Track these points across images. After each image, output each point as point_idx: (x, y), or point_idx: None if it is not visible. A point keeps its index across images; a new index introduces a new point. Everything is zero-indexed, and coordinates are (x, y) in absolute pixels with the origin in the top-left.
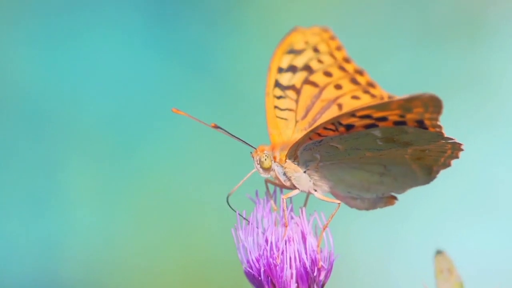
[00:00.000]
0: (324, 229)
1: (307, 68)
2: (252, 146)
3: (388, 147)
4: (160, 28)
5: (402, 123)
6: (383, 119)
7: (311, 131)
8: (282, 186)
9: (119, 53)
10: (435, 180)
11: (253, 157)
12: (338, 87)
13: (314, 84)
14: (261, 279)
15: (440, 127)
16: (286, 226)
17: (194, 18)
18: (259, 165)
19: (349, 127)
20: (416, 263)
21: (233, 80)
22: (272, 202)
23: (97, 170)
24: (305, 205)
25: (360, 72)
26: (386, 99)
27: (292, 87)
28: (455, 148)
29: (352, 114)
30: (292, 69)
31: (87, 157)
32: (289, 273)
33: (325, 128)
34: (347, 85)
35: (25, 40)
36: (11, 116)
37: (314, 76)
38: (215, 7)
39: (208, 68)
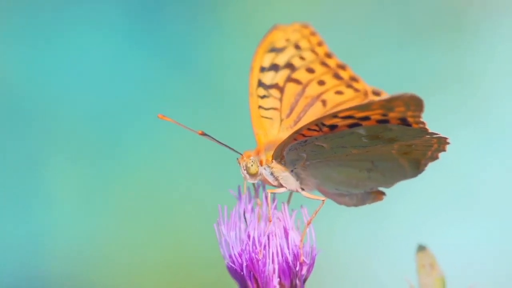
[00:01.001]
0: (308, 224)
1: (289, 65)
2: (238, 153)
3: (373, 143)
4: (143, 26)
5: (385, 121)
6: (366, 118)
7: (295, 132)
8: (271, 185)
9: (102, 51)
10: (420, 176)
11: (239, 164)
12: (321, 83)
13: (297, 81)
14: (243, 274)
15: (423, 123)
16: (270, 221)
17: (177, 15)
18: (245, 171)
19: (332, 127)
20: (400, 258)
21: (216, 77)
22: (255, 197)
23: (80, 167)
24: (288, 201)
25: (342, 67)
26: (369, 94)
27: (275, 86)
28: (441, 142)
29: (334, 115)
30: (275, 67)
31: (71, 155)
32: (272, 268)
33: (309, 129)
34: (330, 81)
35: (7, 38)
36: None
37: (296, 73)
38: (198, 4)
39: (191, 65)
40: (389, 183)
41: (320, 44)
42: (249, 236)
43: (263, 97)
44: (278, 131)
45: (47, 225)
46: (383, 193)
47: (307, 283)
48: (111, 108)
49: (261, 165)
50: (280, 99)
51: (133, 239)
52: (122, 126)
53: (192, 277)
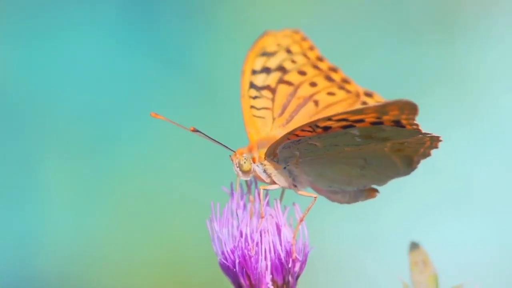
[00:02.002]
0: (300, 221)
1: (281, 68)
2: (231, 150)
3: (366, 142)
4: (138, 25)
5: (379, 123)
6: (360, 121)
7: (288, 133)
8: (264, 182)
9: (95, 50)
10: (412, 174)
11: (232, 161)
12: (313, 84)
13: (288, 83)
14: (236, 270)
15: (417, 125)
16: (263, 217)
17: (171, 14)
18: (238, 169)
19: (326, 128)
20: (393, 256)
21: (211, 75)
22: (248, 193)
23: (74, 166)
24: (281, 198)
25: (334, 70)
26: (361, 95)
27: (267, 87)
28: (434, 140)
29: (328, 118)
30: (266, 70)
31: (65, 154)
32: (264, 265)
33: (303, 130)
34: (322, 82)
35: (1, 38)
36: None
37: (288, 75)
38: (192, 3)
39: (185, 64)
40: (382, 180)
41: (311, 48)
42: (241, 233)
43: (255, 97)
44: (270, 129)
45: (41, 223)
46: (376, 191)
47: (299, 279)
48: (106, 107)
49: (254, 163)
50: (272, 99)
51: (128, 238)
52: (117, 125)
53: (188, 275)
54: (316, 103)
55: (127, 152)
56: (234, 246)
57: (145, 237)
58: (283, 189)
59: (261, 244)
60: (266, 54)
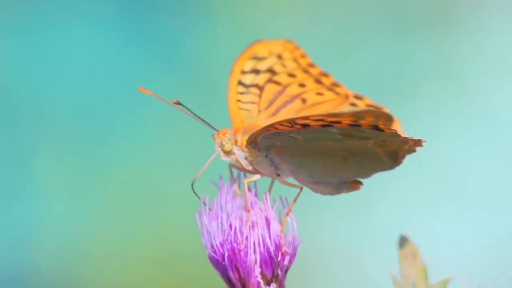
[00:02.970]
0: (287, 214)
1: (271, 70)
2: (214, 128)
3: (348, 139)
4: (132, 19)
5: (357, 125)
6: (337, 122)
7: (268, 126)
8: (245, 171)
9: (89, 43)
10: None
11: (214, 140)
12: (302, 85)
13: (277, 83)
14: (225, 264)
15: (395, 130)
16: (249, 211)
17: (166, 8)
18: (220, 148)
19: (305, 125)
20: (387, 249)
21: (206, 70)
22: (235, 186)
23: (67, 160)
24: (269, 190)
25: (325, 75)
26: (350, 97)
27: (255, 85)
28: (417, 142)
29: (305, 118)
30: (255, 71)
31: (58, 148)
32: (253, 258)
33: (282, 125)
34: (311, 84)
35: None
36: None
37: (277, 77)
38: None
39: (180, 59)
40: (366, 173)
41: (303, 56)
42: (230, 226)
43: (242, 93)
44: (255, 120)
45: (34, 218)
46: (360, 183)
47: (289, 273)
48: (100, 102)
49: (236, 145)
50: (259, 96)
51: (121, 232)
52: (110, 120)
53: (180, 268)
54: (303, 101)
55: (120, 147)
56: (223, 240)
57: (138, 231)
58: (272, 181)
59: (250, 238)
60: (256, 58)
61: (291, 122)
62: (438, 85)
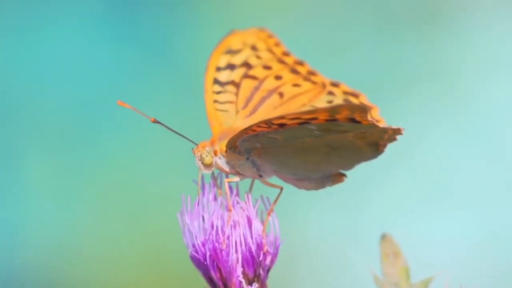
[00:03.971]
0: (269, 213)
1: (246, 64)
2: (193, 142)
3: (326, 134)
4: (119, 16)
5: (334, 120)
6: (314, 118)
7: (245, 129)
8: (229, 174)
9: (77, 42)
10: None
11: (194, 154)
12: (278, 78)
13: (253, 77)
14: (206, 263)
15: (372, 121)
16: (230, 211)
17: (154, 5)
18: (200, 162)
19: (282, 125)
20: (370, 249)
21: (194, 68)
22: (216, 187)
23: (56, 159)
24: (250, 190)
25: (300, 63)
26: (327, 85)
27: (231, 82)
28: (396, 131)
29: (281, 117)
30: (230, 67)
31: (47, 146)
32: (235, 258)
33: (259, 126)
34: (287, 75)
35: None
36: None
37: (253, 70)
38: None
39: (168, 56)
40: (349, 165)
41: (277, 44)
42: (212, 226)
43: (218, 92)
44: (234, 121)
45: (22, 216)
46: (343, 175)
47: (271, 272)
48: (88, 100)
49: (216, 155)
50: (236, 94)
51: (109, 231)
52: (98, 117)
53: (169, 267)
54: (281, 95)
55: (109, 146)
56: (204, 239)
57: (127, 230)
58: (252, 180)
59: (232, 237)
60: (231, 52)
61: (268, 123)
62: (426, 85)
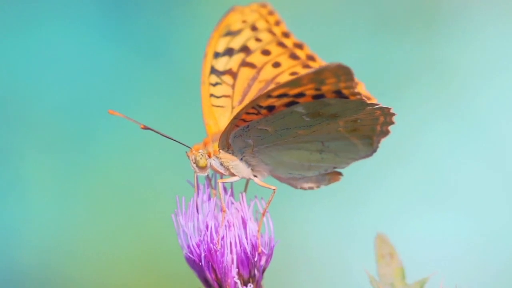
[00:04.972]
0: (263, 214)
1: (245, 48)
2: (186, 146)
3: (317, 122)
4: (116, 17)
5: (321, 96)
6: (301, 95)
7: (234, 118)
8: (224, 176)
9: (73, 42)
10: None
11: (188, 157)
12: (276, 65)
13: (251, 65)
14: (201, 264)
15: (359, 94)
16: (224, 211)
17: (150, 6)
18: (195, 165)
19: (270, 108)
20: (366, 249)
21: (190, 68)
22: (211, 187)
23: (52, 159)
24: (245, 190)
25: (299, 46)
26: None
27: (228, 72)
28: (386, 114)
29: (268, 95)
30: (229, 52)
31: (43, 146)
32: (230, 258)
33: (248, 113)
34: (286, 62)
35: None
36: None
37: (251, 56)
38: None
39: (164, 57)
40: (344, 163)
41: (277, 23)
42: (207, 227)
43: (215, 84)
44: (228, 119)
45: (19, 216)
46: (339, 174)
47: (266, 273)
48: (84, 100)
49: (210, 157)
50: (233, 86)
51: (105, 232)
52: (95, 118)
53: (164, 269)
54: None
55: (105, 146)
56: (199, 240)
57: (123, 230)
58: (247, 181)
59: (227, 238)
60: (230, 34)
61: (256, 106)
62: (423, 84)
